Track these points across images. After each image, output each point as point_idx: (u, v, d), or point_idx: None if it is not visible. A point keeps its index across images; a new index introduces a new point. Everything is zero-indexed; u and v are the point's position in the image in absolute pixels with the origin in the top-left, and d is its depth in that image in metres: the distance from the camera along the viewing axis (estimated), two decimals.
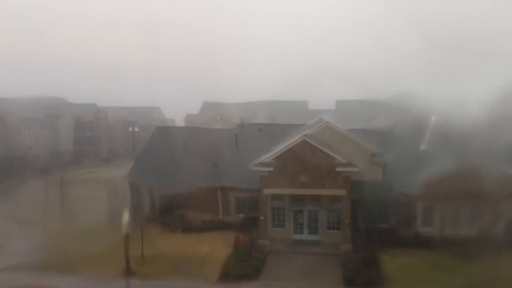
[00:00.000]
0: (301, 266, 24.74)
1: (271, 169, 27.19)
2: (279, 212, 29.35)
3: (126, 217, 23.98)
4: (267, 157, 27.58)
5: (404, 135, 37.61)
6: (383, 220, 28.42)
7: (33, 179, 50.77)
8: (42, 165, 58.41)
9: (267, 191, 27.54)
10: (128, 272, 23.62)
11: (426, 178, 27.84)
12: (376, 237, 27.01)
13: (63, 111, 71.96)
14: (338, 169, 26.50)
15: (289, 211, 29.32)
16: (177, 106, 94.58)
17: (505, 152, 31.84)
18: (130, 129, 69.05)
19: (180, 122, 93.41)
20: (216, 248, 27.10)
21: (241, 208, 31.89)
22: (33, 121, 65.17)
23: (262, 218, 27.75)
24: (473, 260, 24.39)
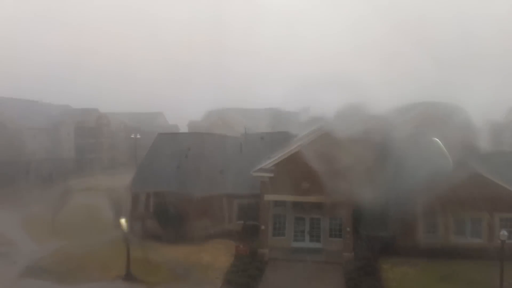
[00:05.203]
0: (301, 274, 24.56)
1: (272, 175, 27.19)
2: (280, 219, 29.28)
3: (126, 224, 24.02)
4: (267, 163, 27.57)
5: (404, 143, 37.36)
6: (384, 228, 28.26)
7: (33, 187, 50.63)
8: (43, 172, 58.03)
9: (268, 197, 27.51)
10: (129, 278, 23.66)
11: (427, 186, 27.79)
12: (377, 246, 26.89)
13: (65, 117, 71.83)
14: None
15: (291, 218, 29.22)
16: (181, 112, 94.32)
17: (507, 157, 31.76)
18: (132, 135, 68.94)
19: (183, 128, 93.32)
20: (217, 257, 26.95)
21: (243, 215, 31.62)
22: (34, 127, 65.19)
23: (263, 227, 27.65)
24: (473, 270, 24.19)
